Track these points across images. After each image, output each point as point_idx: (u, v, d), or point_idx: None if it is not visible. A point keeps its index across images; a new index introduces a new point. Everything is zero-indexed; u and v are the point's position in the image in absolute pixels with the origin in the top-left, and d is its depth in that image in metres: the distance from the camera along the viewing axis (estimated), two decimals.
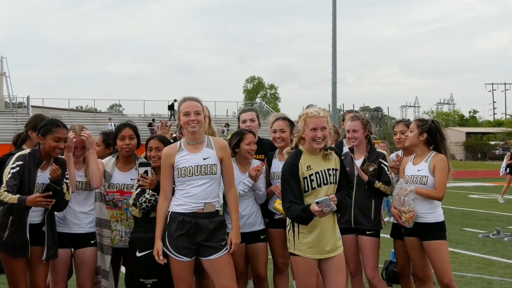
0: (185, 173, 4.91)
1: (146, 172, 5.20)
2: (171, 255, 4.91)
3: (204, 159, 4.96)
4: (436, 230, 5.70)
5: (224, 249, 4.98)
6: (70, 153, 5.34)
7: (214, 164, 4.97)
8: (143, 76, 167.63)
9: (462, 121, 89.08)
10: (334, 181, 4.98)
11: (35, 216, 5.08)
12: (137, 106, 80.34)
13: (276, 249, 6.03)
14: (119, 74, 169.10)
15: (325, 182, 4.92)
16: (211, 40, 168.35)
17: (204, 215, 4.93)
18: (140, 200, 5.21)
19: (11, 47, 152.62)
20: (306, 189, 4.89)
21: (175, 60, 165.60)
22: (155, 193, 5.18)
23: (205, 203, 4.93)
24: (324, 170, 4.93)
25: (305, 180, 4.88)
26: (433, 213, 5.73)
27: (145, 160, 5.52)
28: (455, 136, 69.54)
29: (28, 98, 50.56)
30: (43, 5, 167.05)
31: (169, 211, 4.97)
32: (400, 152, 6.25)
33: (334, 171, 4.98)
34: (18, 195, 4.81)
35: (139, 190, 5.29)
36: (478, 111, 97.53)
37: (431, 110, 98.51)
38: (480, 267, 9.19)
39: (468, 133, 71.88)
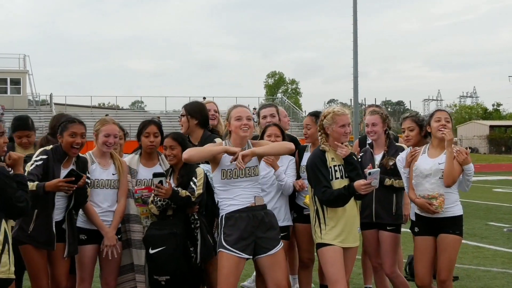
0: (231, 175, 4.98)
1: (161, 182, 5.16)
2: (227, 251, 4.86)
3: None
4: (459, 225, 5.51)
5: (281, 243, 5.08)
6: None
7: (256, 166, 5.07)
8: (165, 73, 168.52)
9: (486, 114, 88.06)
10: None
11: (56, 213, 5.14)
12: (159, 102, 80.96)
13: (302, 244, 6.07)
14: (140, 71, 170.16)
15: (345, 175, 5.23)
16: (232, 36, 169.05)
17: (257, 208, 5.01)
18: (156, 198, 5.23)
19: (34, 45, 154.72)
20: (330, 178, 5.16)
21: (196, 56, 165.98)
22: None
23: (255, 196, 5.02)
24: (342, 164, 5.25)
25: (331, 169, 5.19)
26: (458, 206, 5.53)
27: (160, 170, 5.55)
28: (478, 129, 68.81)
29: (51, 96, 51.10)
30: (65, 3, 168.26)
31: (222, 215, 5.00)
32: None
33: None
34: (36, 182, 4.87)
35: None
36: (501, 104, 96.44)
37: (454, 103, 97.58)
38: (505, 261, 9.11)
39: (491, 126, 71.01)
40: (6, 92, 48.93)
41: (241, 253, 4.88)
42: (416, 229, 5.63)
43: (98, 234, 5.41)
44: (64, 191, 4.98)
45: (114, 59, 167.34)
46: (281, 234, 5.69)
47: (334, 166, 5.18)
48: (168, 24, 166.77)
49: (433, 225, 5.48)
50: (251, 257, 5.01)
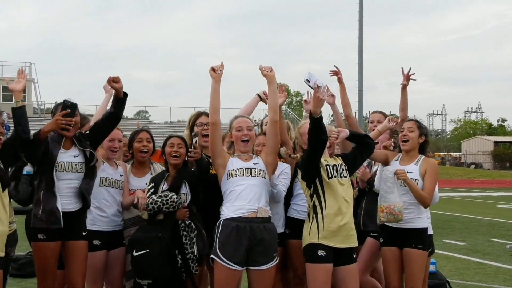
0: (236, 174, 5.01)
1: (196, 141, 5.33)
2: (222, 262, 4.84)
3: (254, 164, 5.10)
4: (423, 238, 5.44)
5: (275, 260, 4.99)
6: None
7: (263, 170, 5.09)
8: (170, 83, 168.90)
9: (490, 130, 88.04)
10: (348, 174, 5.15)
11: (68, 203, 4.98)
12: (163, 112, 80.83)
13: (298, 259, 5.92)
14: (145, 81, 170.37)
15: (342, 175, 5.05)
16: (238, 48, 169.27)
17: (258, 220, 4.93)
18: (147, 201, 5.17)
19: (39, 53, 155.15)
20: (330, 175, 4.98)
21: (201, 67, 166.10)
22: (161, 195, 5.15)
23: (258, 206, 4.95)
24: (336, 164, 5.08)
25: (327, 167, 5.00)
26: (423, 219, 5.49)
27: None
28: (483, 145, 68.79)
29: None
30: (72, 12, 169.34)
31: (220, 220, 4.97)
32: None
33: (344, 166, 5.12)
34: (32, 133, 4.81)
35: (149, 193, 5.26)
36: (506, 120, 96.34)
37: (459, 118, 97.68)
38: (507, 278, 9.05)
39: (496, 142, 70.97)
40: (11, 100, 48.95)
41: (236, 266, 4.85)
42: (381, 240, 5.58)
43: (109, 239, 5.40)
44: (63, 127, 4.85)
45: (119, 69, 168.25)
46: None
47: (327, 165, 5.00)
48: (174, 35, 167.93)
49: (396, 236, 5.43)
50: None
